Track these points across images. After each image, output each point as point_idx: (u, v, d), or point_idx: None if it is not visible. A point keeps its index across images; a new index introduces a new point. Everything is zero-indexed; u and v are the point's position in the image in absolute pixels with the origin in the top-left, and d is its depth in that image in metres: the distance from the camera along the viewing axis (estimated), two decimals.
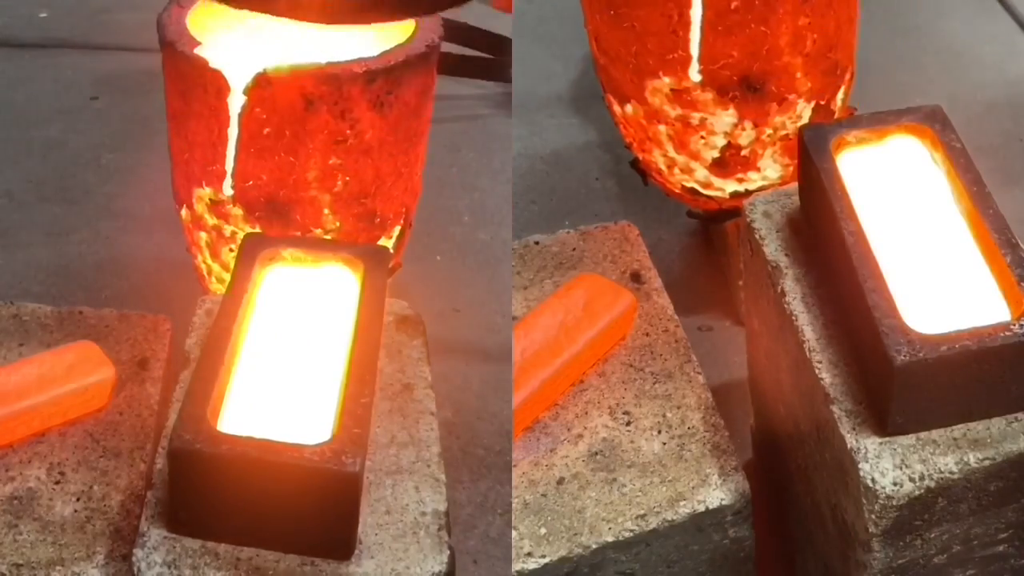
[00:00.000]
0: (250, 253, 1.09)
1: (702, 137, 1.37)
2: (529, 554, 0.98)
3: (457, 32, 1.98)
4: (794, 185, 1.17)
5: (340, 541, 0.91)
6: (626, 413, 1.08)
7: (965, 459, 0.93)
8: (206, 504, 0.90)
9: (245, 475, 0.88)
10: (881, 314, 0.93)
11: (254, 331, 1.03)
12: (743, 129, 1.35)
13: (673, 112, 1.35)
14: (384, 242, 1.33)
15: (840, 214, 1.00)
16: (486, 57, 2.09)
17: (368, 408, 0.93)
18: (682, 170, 1.42)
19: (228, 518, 0.90)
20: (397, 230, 1.35)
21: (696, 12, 1.26)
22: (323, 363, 1.00)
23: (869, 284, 0.95)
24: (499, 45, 2.10)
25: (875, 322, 0.93)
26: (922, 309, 0.96)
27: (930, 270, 1.00)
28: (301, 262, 1.10)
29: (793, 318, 1.06)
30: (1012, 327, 0.93)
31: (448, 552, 0.93)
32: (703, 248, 1.68)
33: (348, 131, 1.23)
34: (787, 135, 1.36)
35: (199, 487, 0.90)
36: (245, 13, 1.29)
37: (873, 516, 0.93)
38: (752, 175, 1.40)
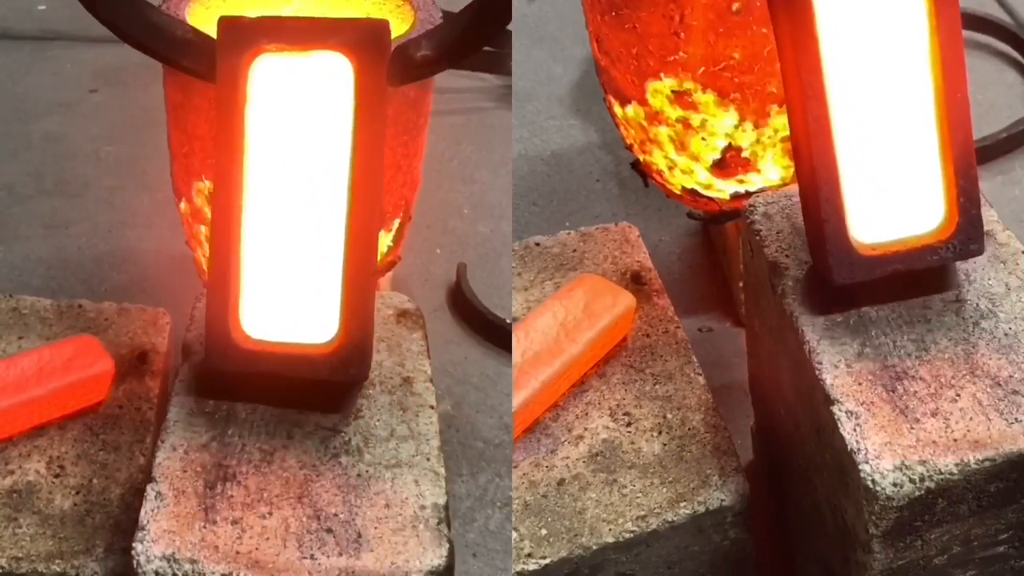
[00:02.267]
0: (231, 46, 1.02)
1: (703, 138, 1.37)
2: (530, 555, 0.98)
3: None
4: (795, 186, 1.17)
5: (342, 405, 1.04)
6: (626, 414, 1.08)
7: (965, 460, 0.93)
8: (228, 382, 1.03)
9: (265, 374, 1.01)
10: (831, 231, 1.02)
11: (254, 169, 1.02)
12: (744, 130, 1.35)
13: (674, 113, 1.36)
14: (383, 235, 1.33)
15: None
16: (486, 50, 2.09)
17: (370, 294, 1.00)
18: (683, 171, 1.42)
19: (247, 393, 1.03)
20: (396, 223, 1.35)
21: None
22: (327, 201, 1.02)
23: (825, 192, 1.01)
24: (498, 38, 2.10)
25: (825, 239, 1.02)
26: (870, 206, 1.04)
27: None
28: (288, 53, 1.03)
29: (793, 319, 1.06)
30: (939, 251, 1.04)
31: (447, 545, 0.93)
32: (703, 249, 1.68)
33: None
34: (787, 136, 1.36)
35: (222, 377, 1.03)
36: (244, 6, 1.29)
37: (873, 517, 0.93)
38: (753, 176, 1.40)
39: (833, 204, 1.01)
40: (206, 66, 1.06)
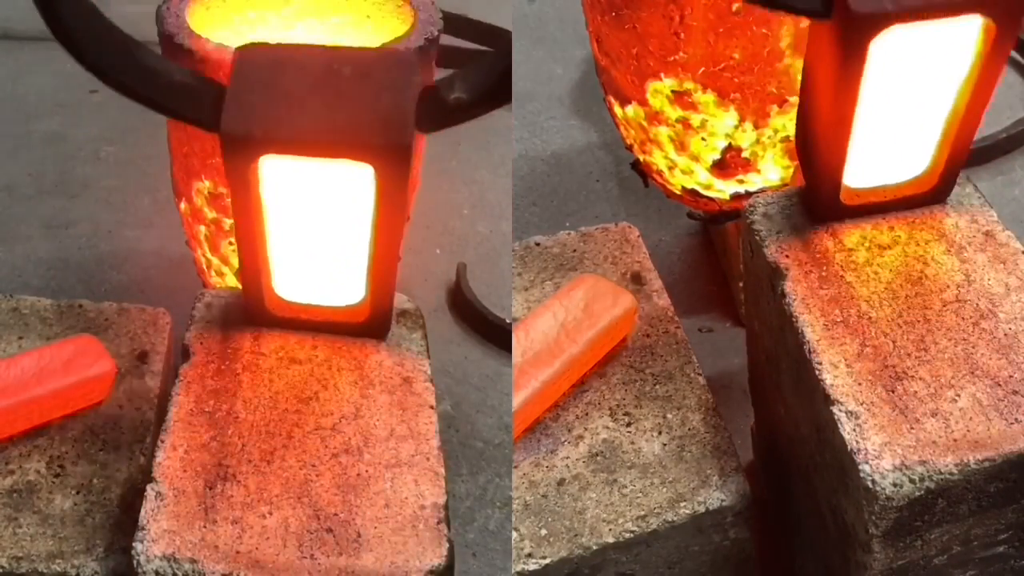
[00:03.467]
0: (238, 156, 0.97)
1: (703, 139, 1.37)
2: (530, 555, 0.98)
3: (456, 25, 1.98)
4: (795, 187, 1.18)
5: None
6: (627, 414, 1.08)
7: (965, 460, 0.93)
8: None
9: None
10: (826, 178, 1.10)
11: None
12: (744, 131, 1.35)
13: (674, 114, 1.36)
14: None
15: None
16: (485, 50, 2.09)
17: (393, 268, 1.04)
18: (683, 171, 1.42)
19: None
20: None
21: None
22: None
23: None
24: (498, 38, 2.11)
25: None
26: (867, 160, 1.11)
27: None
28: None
29: (793, 319, 1.06)
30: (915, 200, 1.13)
31: (447, 545, 0.93)
32: (703, 249, 1.68)
33: None
34: (787, 137, 1.36)
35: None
36: (244, 7, 1.29)
37: (873, 517, 0.93)
38: (753, 177, 1.40)
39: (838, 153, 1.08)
40: (209, 114, 0.95)
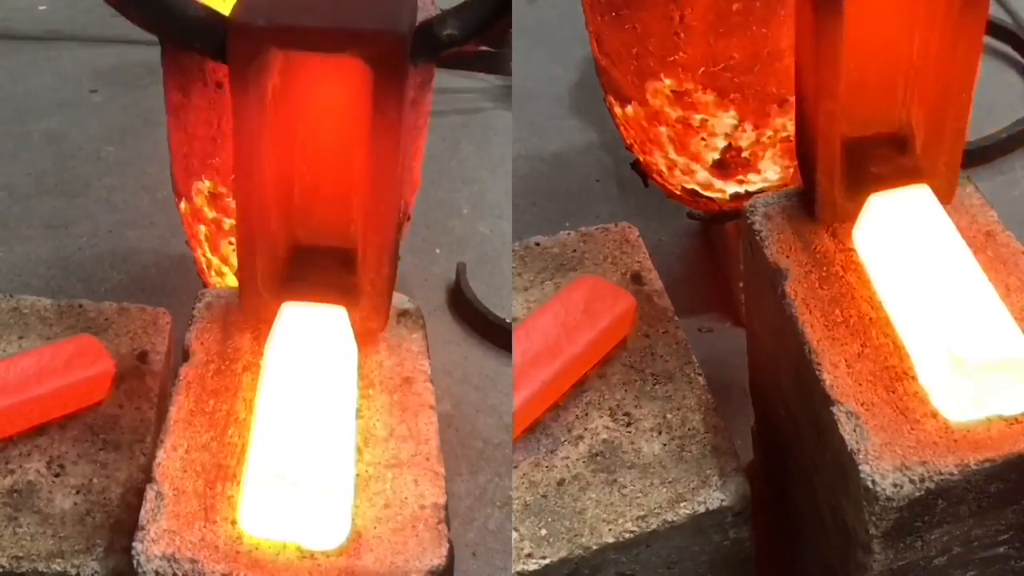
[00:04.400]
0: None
1: (703, 139, 1.37)
2: (530, 555, 0.98)
3: None
4: (794, 186, 1.17)
5: None
6: (626, 414, 1.08)
7: (965, 461, 0.93)
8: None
9: None
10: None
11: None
12: (744, 131, 1.35)
13: (674, 114, 1.36)
14: None
15: None
16: (485, 50, 2.09)
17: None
18: (683, 172, 1.42)
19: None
20: None
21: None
22: None
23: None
24: (498, 38, 2.10)
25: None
26: None
27: None
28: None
29: (793, 320, 1.06)
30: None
31: (447, 545, 0.93)
32: (703, 250, 1.68)
33: None
34: (787, 137, 1.36)
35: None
36: None
37: (873, 517, 0.93)
38: (752, 177, 1.40)
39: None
40: (219, 46, 1.01)
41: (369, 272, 1.05)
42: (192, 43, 1.04)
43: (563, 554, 0.98)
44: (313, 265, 1.09)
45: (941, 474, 0.93)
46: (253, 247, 1.04)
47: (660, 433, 1.06)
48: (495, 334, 1.61)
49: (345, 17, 0.97)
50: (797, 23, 1.08)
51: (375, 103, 0.97)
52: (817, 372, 1.01)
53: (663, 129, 1.38)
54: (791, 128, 1.35)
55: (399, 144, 1.00)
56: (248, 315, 1.08)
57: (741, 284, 1.34)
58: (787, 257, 1.11)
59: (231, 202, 1.27)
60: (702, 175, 1.41)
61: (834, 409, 0.98)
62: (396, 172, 1.02)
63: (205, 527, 0.93)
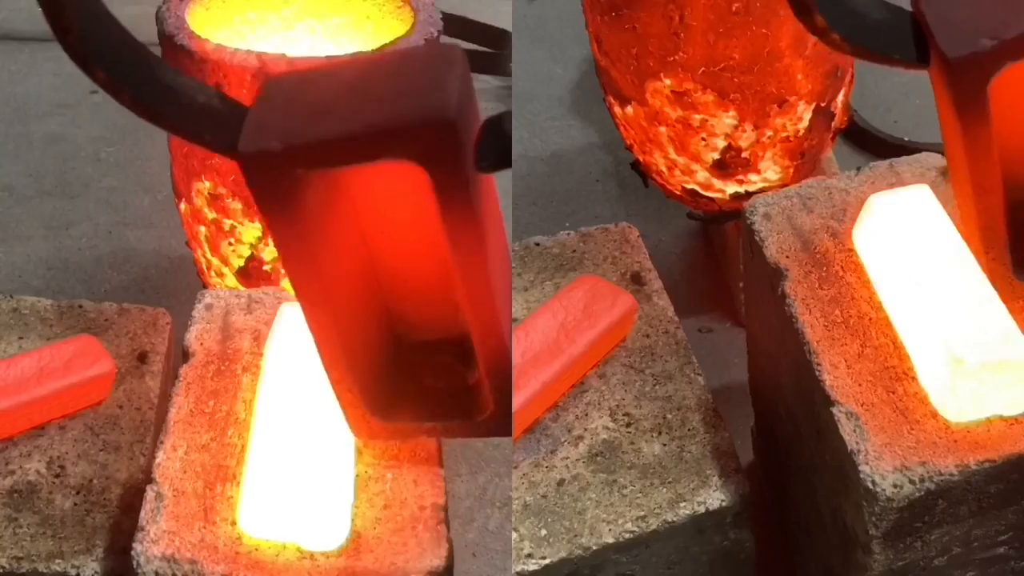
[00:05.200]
0: None
1: (703, 139, 1.37)
2: (529, 555, 0.98)
3: (455, 26, 1.98)
4: (794, 186, 1.17)
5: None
6: (626, 415, 1.08)
7: (965, 461, 0.93)
8: None
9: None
10: None
11: None
12: (744, 131, 1.35)
13: (674, 114, 1.36)
14: None
15: None
16: (485, 51, 2.09)
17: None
18: (682, 172, 1.42)
19: None
20: None
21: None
22: None
23: None
24: (498, 39, 2.10)
25: None
26: None
27: None
28: None
29: (793, 320, 1.06)
30: None
31: (447, 546, 0.93)
32: (703, 250, 1.68)
33: None
34: (787, 137, 1.36)
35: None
36: (244, 8, 1.29)
37: (873, 518, 0.93)
38: (752, 177, 1.40)
39: None
40: (230, 138, 0.81)
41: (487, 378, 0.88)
42: (202, 136, 0.83)
43: (563, 554, 0.98)
44: (424, 366, 0.94)
45: (941, 474, 0.93)
46: (341, 371, 0.89)
47: (660, 433, 1.06)
48: None
49: (374, 109, 0.77)
50: (942, 125, 0.93)
51: (441, 207, 0.77)
52: (817, 372, 1.01)
53: (663, 129, 1.38)
54: (791, 128, 1.35)
55: (483, 241, 0.79)
56: (360, 436, 0.96)
57: (741, 284, 1.34)
58: (787, 257, 1.11)
59: (231, 203, 1.27)
60: (702, 175, 1.41)
61: (834, 410, 0.98)
62: (487, 276, 0.81)
63: (205, 528, 0.93)
